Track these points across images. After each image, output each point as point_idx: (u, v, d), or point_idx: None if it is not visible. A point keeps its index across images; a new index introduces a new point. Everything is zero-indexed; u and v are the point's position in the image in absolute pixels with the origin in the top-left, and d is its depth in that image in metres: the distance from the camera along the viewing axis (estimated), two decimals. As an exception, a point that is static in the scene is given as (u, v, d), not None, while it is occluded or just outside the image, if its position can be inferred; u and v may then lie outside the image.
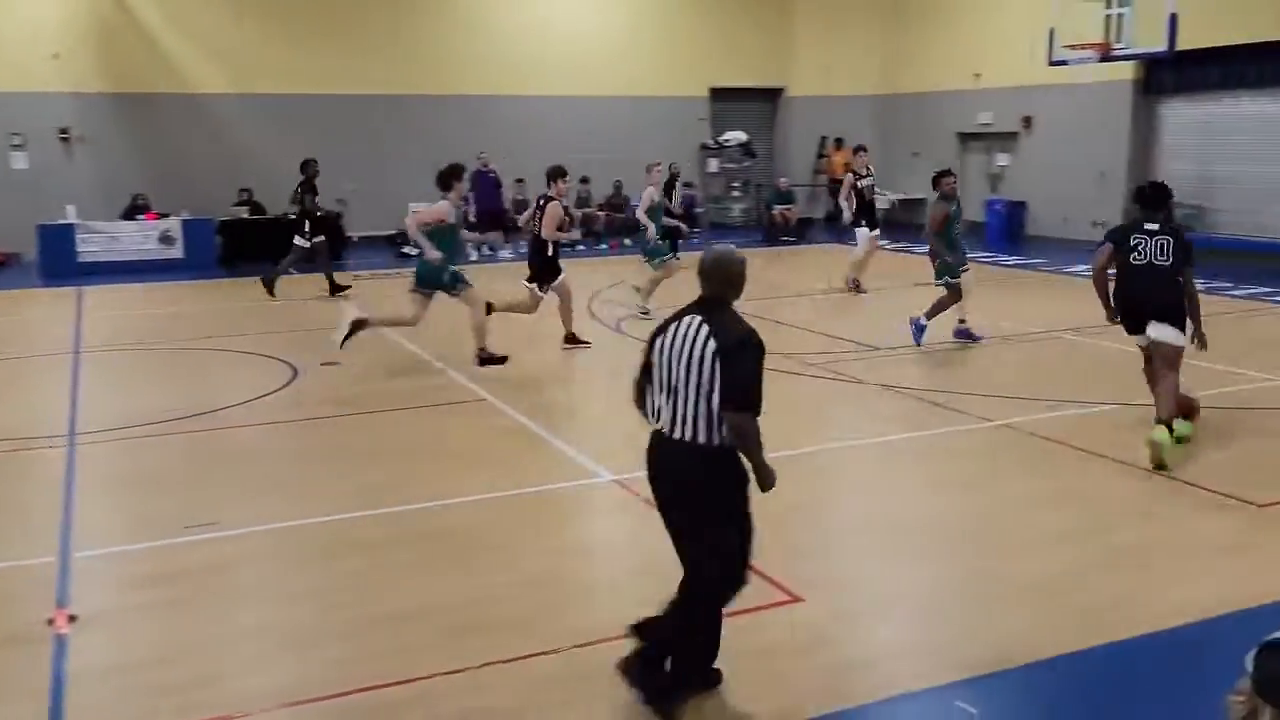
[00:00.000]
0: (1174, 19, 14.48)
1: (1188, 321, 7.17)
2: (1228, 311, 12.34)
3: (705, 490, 4.01)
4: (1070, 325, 11.53)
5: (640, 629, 4.17)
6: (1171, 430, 6.99)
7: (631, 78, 22.50)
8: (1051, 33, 16.39)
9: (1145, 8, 15.21)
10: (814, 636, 4.73)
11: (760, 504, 5.07)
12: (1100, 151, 19.30)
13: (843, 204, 14.96)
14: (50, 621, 4.94)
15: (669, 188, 20.54)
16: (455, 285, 10.12)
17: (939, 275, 11.03)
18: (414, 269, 10.39)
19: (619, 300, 14.15)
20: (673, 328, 4.05)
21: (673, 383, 3.97)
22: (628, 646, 4.17)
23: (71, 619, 4.97)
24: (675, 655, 4.12)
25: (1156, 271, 7.15)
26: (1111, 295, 7.45)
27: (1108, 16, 16.12)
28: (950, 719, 4.17)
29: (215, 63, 19.68)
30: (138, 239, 17.96)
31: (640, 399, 4.23)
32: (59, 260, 17.25)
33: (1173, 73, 18.04)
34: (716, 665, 4.28)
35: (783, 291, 14.43)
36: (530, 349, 10.88)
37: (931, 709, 4.25)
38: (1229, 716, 1.98)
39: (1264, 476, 6.79)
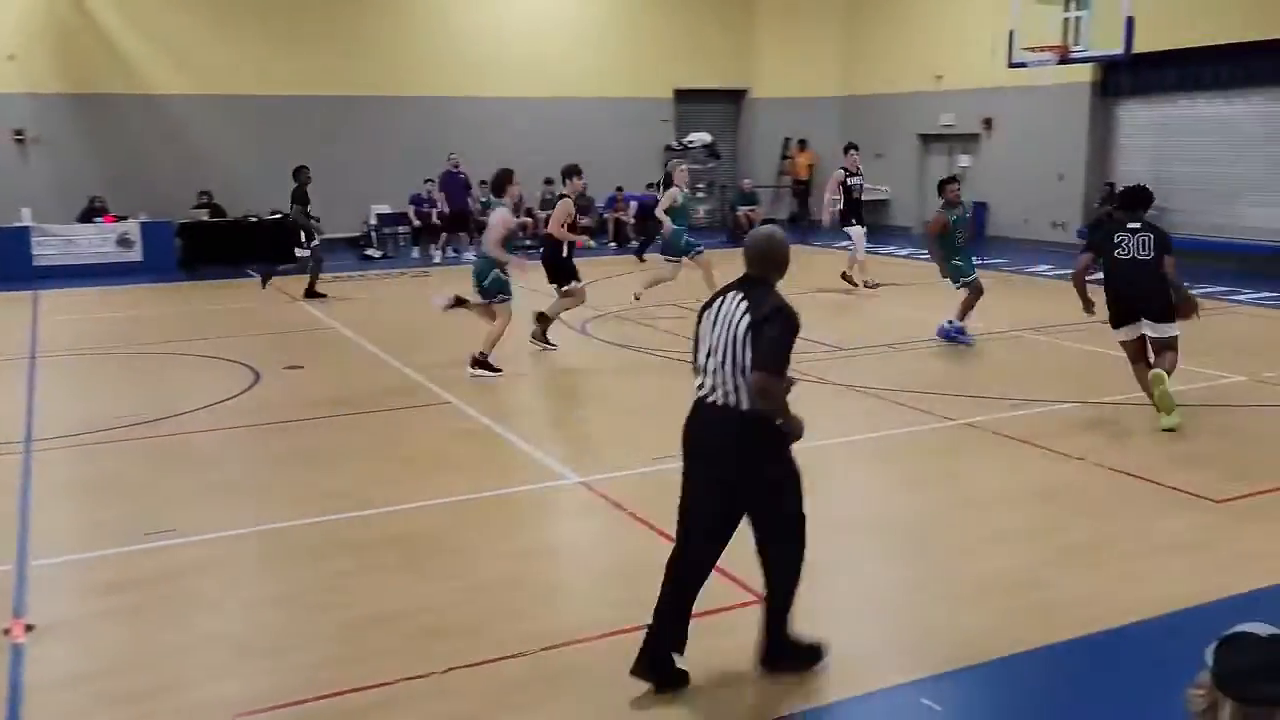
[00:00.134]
0: (1130, 22, 14.67)
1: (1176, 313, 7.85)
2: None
3: (739, 454, 4.15)
4: (1031, 325, 11.65)
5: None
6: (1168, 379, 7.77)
7: (595, 79, 22.49)
8: (1011, 35, 16.55)
9: (1103, 11, 15.39)
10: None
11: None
12: (1059, 153, 19.52)
13: (827, 199, 15.08)
14: (6, 631, 4.85)
15: (668, 185, 20.56)
16: (496, 292, 9.92)
17: (955, 280, 11.17)
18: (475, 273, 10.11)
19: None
20: (717, 302, 4.26)
21: (712, 353, 4.17)
22: (613, 647, 4.15)
23: (28, 628, 4.89)
24: (780, 626, 4.36)
25: (1139, 265, 7.80)
26: (1104, 290, 8.09)
27: (1066, 19, 16.30)
28: (916, 716, 4.19)
29: (174, 64, 19.45)
30: (95, 242, 17.73)
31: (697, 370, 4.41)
32: (14, 264, 16.95)
33: (1130, 75, 18.28)
34: (685, 668, 4.29)
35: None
36: (502, 352, 10.83)
37: (898, 706, 4.27)
38: (1189, 709, 2.00)
39: (1222, 473, 6.88)
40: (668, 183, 20.08)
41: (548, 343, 10.98)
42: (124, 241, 17.85)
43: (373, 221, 20.74)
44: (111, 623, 5.04)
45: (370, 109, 20.67)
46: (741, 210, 22.12)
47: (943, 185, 11.33)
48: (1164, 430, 7.71)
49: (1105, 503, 6.45)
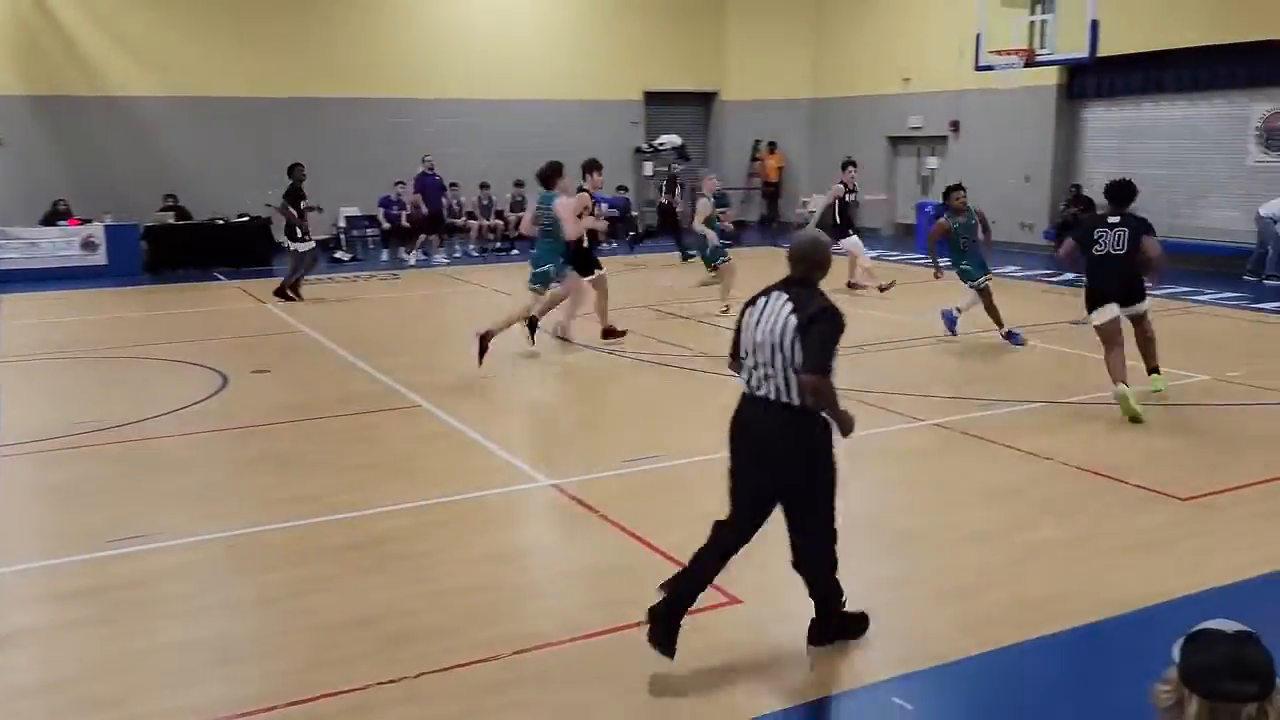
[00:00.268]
0: (1095, 26, 14.85)
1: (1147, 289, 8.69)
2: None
3: (788, 448, 4.30)
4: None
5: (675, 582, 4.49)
6: (1159, 372, 8.86)
7: (564, 81, 22.46)
8: (978, 38, 16.70)
9: (1067, 15, 15.57)
10: (753, 637, 4.75)
11: (697, 509, 5.07)
12: (1026, 155, 19.71)
13: (822, 209, 15.11)
14: (-31, 640, 4.78)
15: (671, 184, 20.69)
16: (543, 281, 10.71)
17: (964, 281, 11.45)
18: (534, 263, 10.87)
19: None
20: (761, 301, 4.41)
21: (756, 352, 4.33)
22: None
23: (-9, 637, 4.83)
24: (826, 607, 4.57)
25: (1114, 259, 8.40)
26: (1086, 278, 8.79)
27: (1031, 23, 16.48)
28: (887, 715, 4.21)
29: (138, 65, 19.25)
30: (59, 245, 17.50)
31: (734, 366, 4.58)
32: (-24, 268, 16.74)
33: (1095, 78, 18.50)
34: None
35: (717, 295, 14.48)
36: (465, 353, 10.79)
37: (869, 706, 4.29)
38: (1156, 705, 2.02)
39: (1187, 471, 6.97)
40: (664, 185, 20.28)
41: (617, 334, 11.24)
42: (88, 245, 17.64)
43: (341, 224, 20.61)
44: (78, 630, 4.98)
45: (338, 110, 20.55)
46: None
47: (948, 193, 11.60)
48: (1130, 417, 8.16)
49: (1073, 501, 6.51)
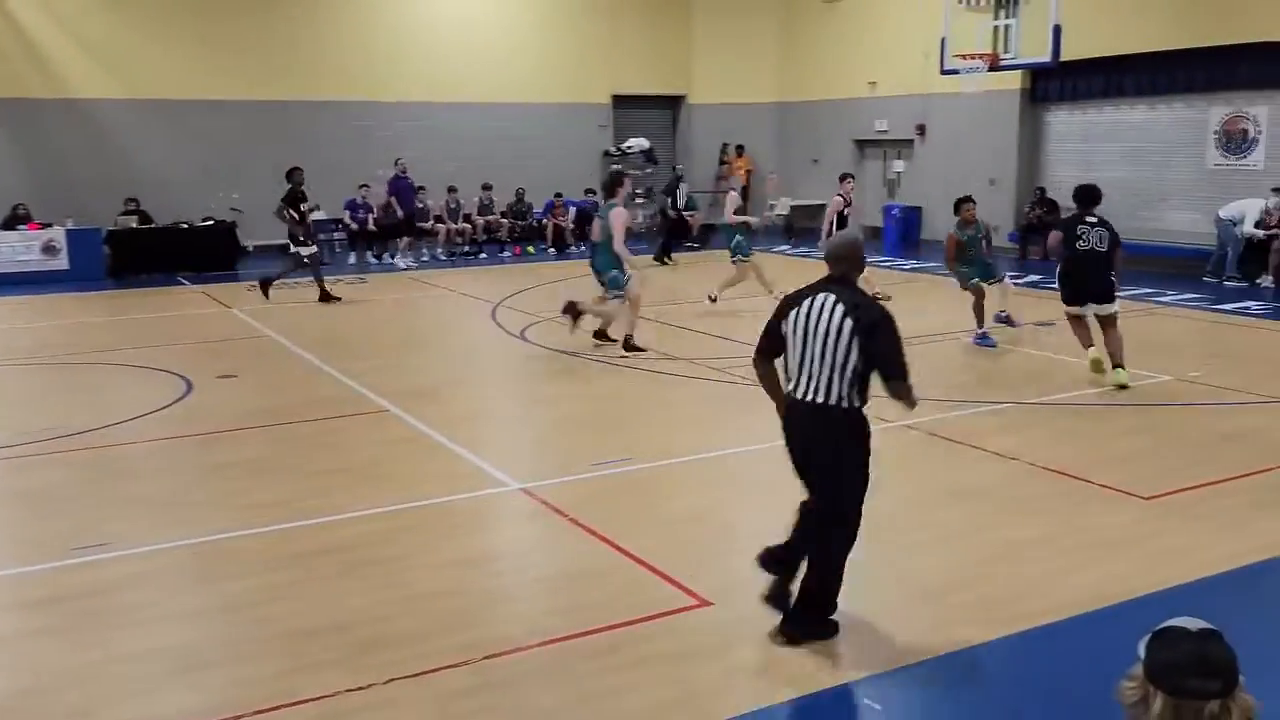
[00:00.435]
0: (1058, 30, 15.03)
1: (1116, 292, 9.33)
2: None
3: (831, 446, 4.54)
4: (966, 328, 11.82)
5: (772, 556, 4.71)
6: (1125, 369, 9.21)
7: (532, 84, 22.41)
8: (943, 42, 16.85)
9: (1031, 20, 15.75)
10: (724, 639, 4.75)
11: (666, 513, 5.11)
12: (991, 158, 19.88)
13: (827, 227, 14.92)
14: (-73, 652, 4.70)
15: (672, 190, 20.71)
16: (618, 285, 11.04)
17: (963, 285, 11.72)
18: (596, 269, 11.24)
19: (522, 308, 14.09)
20: (806, 302, 4.55)
21: (806, 353, 4.49)
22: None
23: (-49, 648, 4.75)
24: (811, 598, 4.68)
25: (1097, 256, 9.11)
26: (1059, 277, 9.55)
27: (996, 28, 16.66)
28: (858, 715, 4.23)
29: (99, 67, 19.01)
30: (19, 250, 17.23)
31: (760, 362, 4.77)
32: (-66, 273, 16.47)
33: (1058, 82, 18.70)
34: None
35: (685, 297, 14.53)
36: (441, 359, 10.77)
37: (841, 706, 4.31)
38: (1121, 702, 2.04)
39: (1150, 471, 7.05)
40: (670, 197, 20.32)
41: (638, 349, 11.14)
42: (49, 249, 17.39)
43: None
44: (41, 640, 4.91)
45: (301, 113, 20.39)
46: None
47: (959, 205, 11.75)
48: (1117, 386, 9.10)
49: (1039, 501, 6.57)
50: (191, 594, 5.44)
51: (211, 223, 18.81)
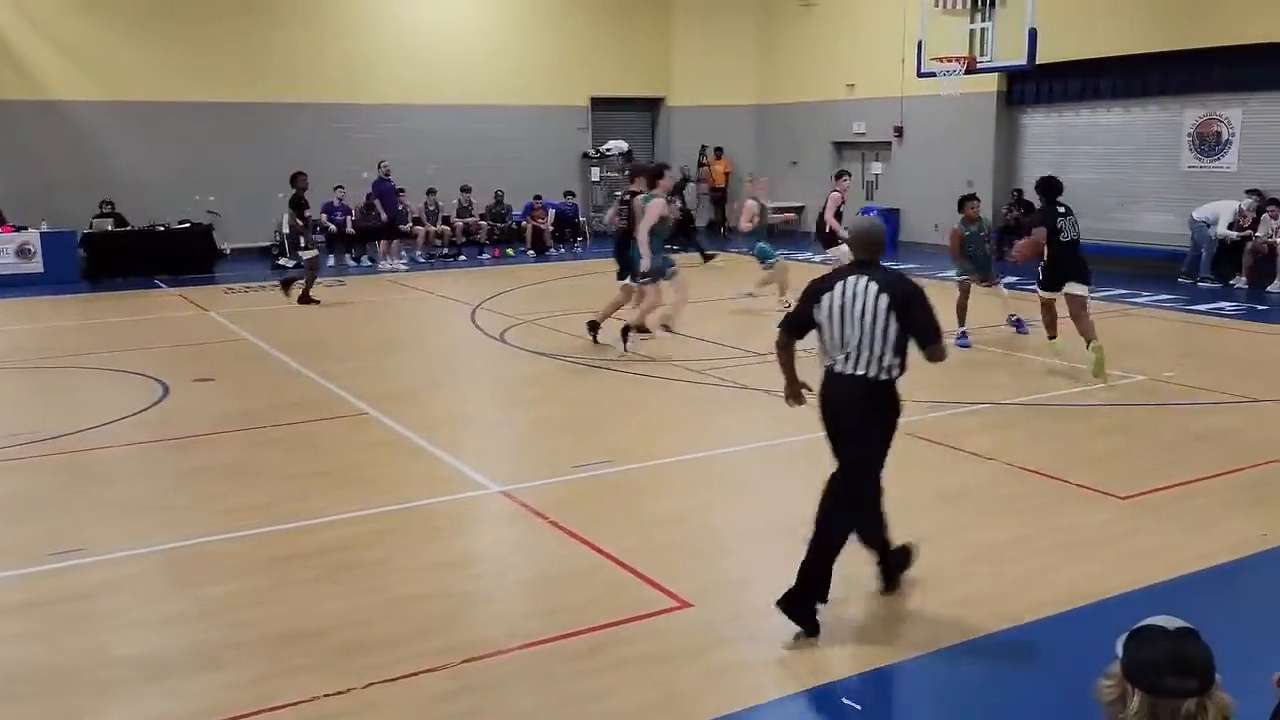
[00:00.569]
0: (1034, 34, 15.14)
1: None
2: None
3: (865, 413, 4.84)
4: (948, 329, 11.88)
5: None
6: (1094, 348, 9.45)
7: (511, 86, 22.39)
8: (920, 45, 16.94)
9: (1007, 23, 15.86)
10: (705, 641, 4.76)
11: (647, 514, 5.12)
12: (968, 160, 19.97)
13: (831, 225, 14.97)
14: (-100, 659, 4.65)
15: (678, 190, 20.70)
16: (664, 272, 11.13)
17: (960, 276, 11.87)
18: (631, 261, 11.13)
19: (502, 311, 14.06)
20: (839, 286, 4.82)
21: (845, 332, 4.77)
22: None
23: (-76, 655, 4.69)
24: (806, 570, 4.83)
25: (1077, 243, 9.74)
26: (1044, 268, 9.84)
27: (972, 31, 16.76)
28: (838, 715, 4.25)
29: (75, 69, 18.88)
30: (-8, 252, 17.09)
31: (784, 343, 5.15)
32: (-95, 276, 16.28)
33: (1034, 85, 18.83)
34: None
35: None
36: (421, 361, 10.73)
37: (820, 706, 4.33)
38: (1100, 700, 2.06)
39: (1126, 471, 7.11)
40: (675, 189, 20.24)
41: (645, 330, 11.20)
42: (23, 252, 17.23)
43: (285, 229, 20.31)
44: (16, 647, 4.86)
45: (278, 115, 20.30)
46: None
47: (963, 203, 11.95)
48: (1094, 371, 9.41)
49: (1016, 501, 6.61)
50: (169, 599, 5.40)
51: (188, 225, 18.69)
